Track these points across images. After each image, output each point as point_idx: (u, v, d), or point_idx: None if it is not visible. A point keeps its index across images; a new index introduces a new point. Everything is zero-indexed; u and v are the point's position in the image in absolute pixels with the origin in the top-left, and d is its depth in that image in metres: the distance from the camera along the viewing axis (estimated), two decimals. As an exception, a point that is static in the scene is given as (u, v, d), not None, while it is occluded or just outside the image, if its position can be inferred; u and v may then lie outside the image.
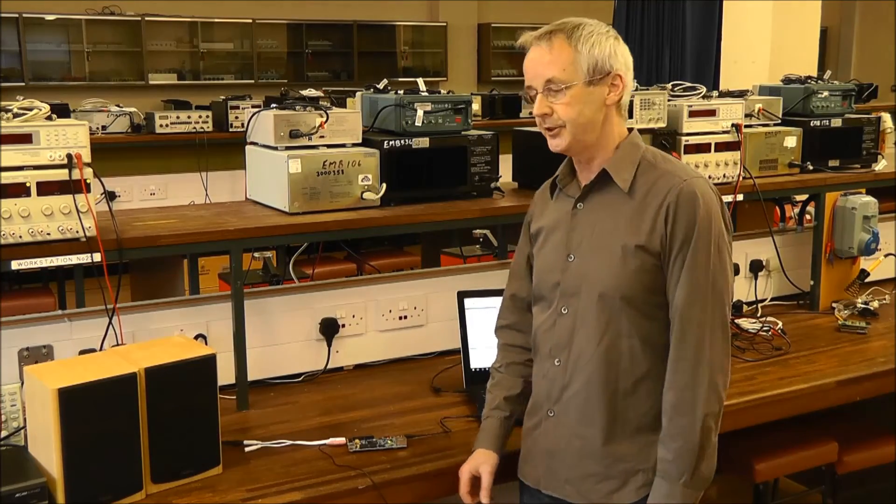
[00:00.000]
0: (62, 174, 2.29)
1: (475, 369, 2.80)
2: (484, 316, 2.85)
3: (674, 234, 1.91)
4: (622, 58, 1.96)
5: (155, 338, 2.53)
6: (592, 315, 1.97)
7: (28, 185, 2.26)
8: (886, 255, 3.85)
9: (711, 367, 1.90)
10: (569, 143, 1.99)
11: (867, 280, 3.76)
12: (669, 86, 3.42)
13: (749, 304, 3.65)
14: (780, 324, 3.34)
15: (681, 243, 1.91)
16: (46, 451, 2.04)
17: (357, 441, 2.41)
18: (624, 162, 1.99)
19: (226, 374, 2.53)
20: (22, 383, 2.27)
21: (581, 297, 1.99)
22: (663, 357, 1.95)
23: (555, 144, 2.00)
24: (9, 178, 2.24)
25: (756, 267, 3.69)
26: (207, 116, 6.99)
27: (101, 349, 2.50)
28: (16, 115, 2.31)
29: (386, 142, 2.85)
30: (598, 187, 2.01)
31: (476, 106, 7.44)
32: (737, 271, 3.60)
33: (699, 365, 1.90)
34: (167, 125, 6.84)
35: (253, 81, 10.41)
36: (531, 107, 2.00)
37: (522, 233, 2.23)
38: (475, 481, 2.15)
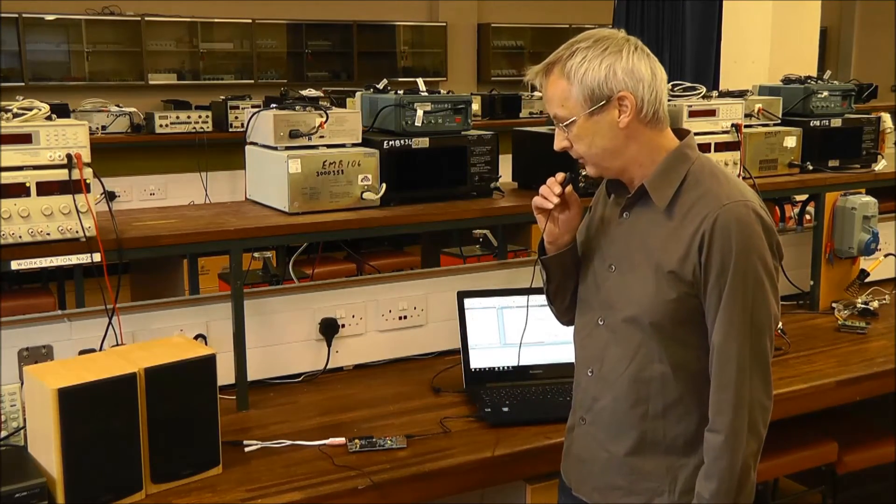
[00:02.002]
0: (62, 174, 2.28)
1: (475, 369, 2.80)
2: (483, 316, 2.85)
3: (708, 264, 1.80)
4: (624, 74, 1.83)
5: (155, 338, 2.53)
6: (624, 335, 1.91)
7: (28, 185, 2.25)
8: (886, 256, 3.85)
9: (751, 408, 1.82)
10: (597, 172, 1.93)
11: (867, 280, 3.76)
12: (669, 85, 3.41)
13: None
14: (780, 324, 3.34)
15: (716, 276, 1.80)
16: (46, 451, 2.04)
17: (357, 441, 2.40)
18: (666, 177, 1.87)
19: (226, 374, 2.53)
20: (22, 383, 2.27)
21: (615, 313, 1.93)
22: (697, 383, 1.87)
23: (588, 172, 1.95)
24: (8, 178, 2.24)
25: (756, 267, 3.68)
26: (207, 116, 6.99)
27: (100, 349, 2.50)
28: (15, 115, 2.31)
29: (386, 142, 2.85)
30: (640, 202, 1.92)
31: (476, 106, 7.43)
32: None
33: (740, 407, 1.81)
34: (167, 125, 6.83)
35: (253, 81, 10.42)
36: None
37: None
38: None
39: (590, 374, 2.00)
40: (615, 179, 1.97)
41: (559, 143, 1.92)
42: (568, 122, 1.87)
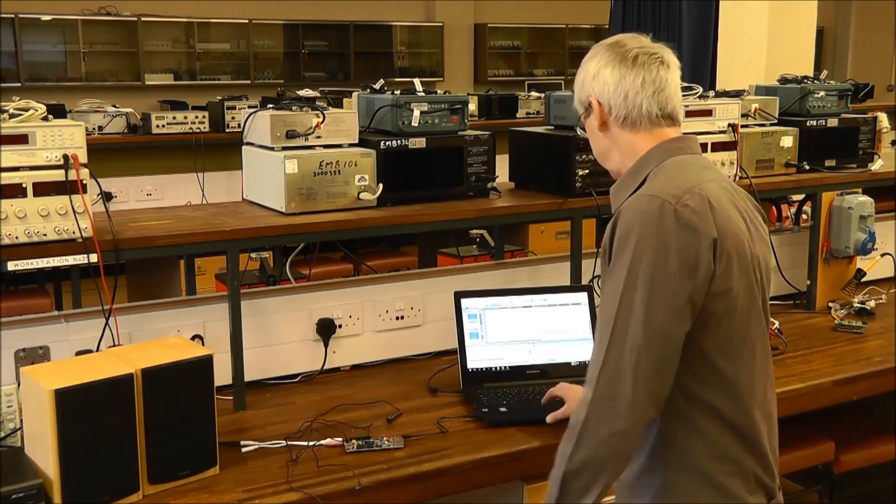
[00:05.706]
0: (58, 175, 2.28)
1: (472, 369, 2.80)
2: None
3: (605, 258, 1.81)
4: (592, 80, 1.89)
5: (152, 338, 2.53)
6: None
7: (24, 185, 2.25)
8: (883, 255, 3.85)
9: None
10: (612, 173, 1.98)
11: (863, 280, 3.77)
12: (665, 86, 3.42)
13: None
14: (777, 323, 3.34)
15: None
16: (43, 452, 2.04)
17: (354, 441, 2.40)
18: (624, 183, 1.90)
19: (222, 374, 2.53)
20: (18, 384, 2.27)
21: None
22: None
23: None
24: (5, 178, 2.24)
25: (752, 267, 3.68)
26: (204, 117, 6.98)
27: (97, 350, 2.50)
28: (12, 116, 2.31)
29: (382, 142, 2.85)
30: None
31: (473, 106, 7.43)
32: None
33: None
34: (163, 126, 6.83)
35: (249, 82, 10.42)
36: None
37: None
38: None
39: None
40: None
41: None
42: (579, 124, 1.97)
